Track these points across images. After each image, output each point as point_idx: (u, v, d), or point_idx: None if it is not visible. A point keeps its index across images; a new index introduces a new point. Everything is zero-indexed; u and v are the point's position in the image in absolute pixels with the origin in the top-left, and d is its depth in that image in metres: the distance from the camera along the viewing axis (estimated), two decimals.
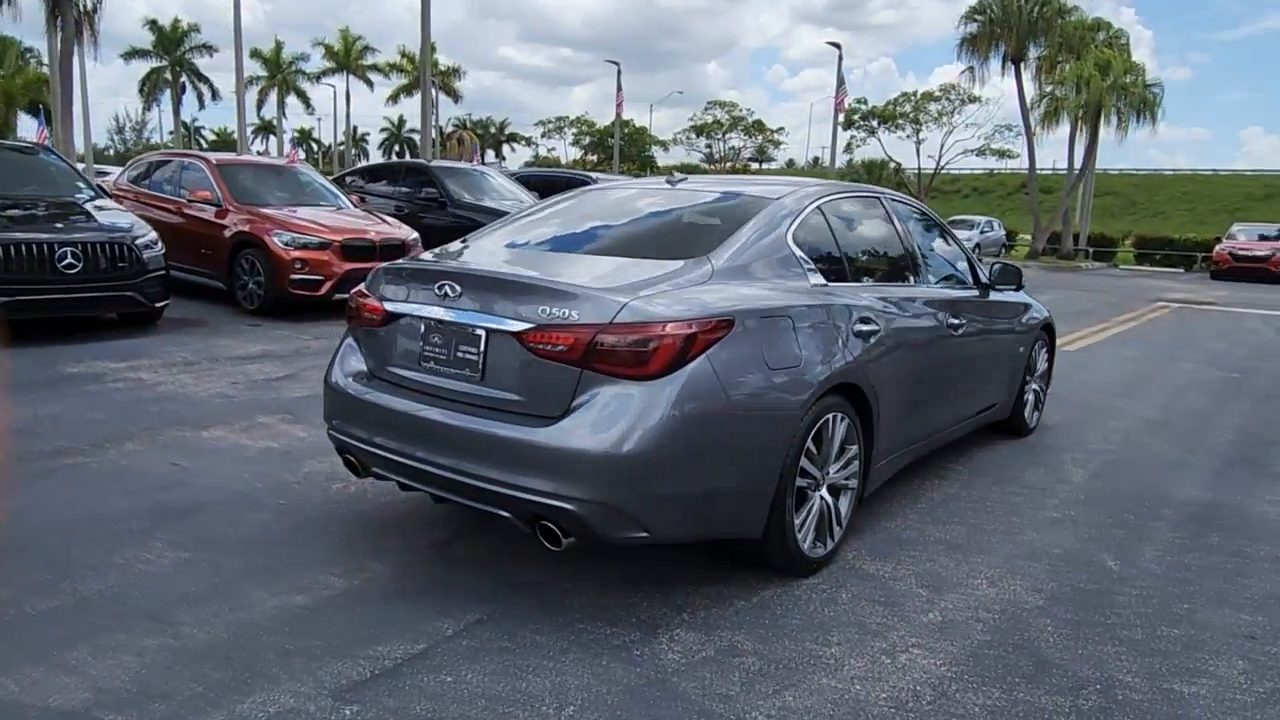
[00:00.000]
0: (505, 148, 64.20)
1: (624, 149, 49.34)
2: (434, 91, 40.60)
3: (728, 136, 52.80)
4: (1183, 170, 65.13)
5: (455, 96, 50.06)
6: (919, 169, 41.96)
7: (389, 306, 3.15)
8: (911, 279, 4.15)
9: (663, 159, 56.96)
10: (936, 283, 4.36)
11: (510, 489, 2.71)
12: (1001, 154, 38.33)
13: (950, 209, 39.23)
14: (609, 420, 2.62)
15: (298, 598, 2.93)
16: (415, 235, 10.09)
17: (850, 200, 4.03)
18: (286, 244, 8.61)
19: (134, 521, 3.51)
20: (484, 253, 3.56)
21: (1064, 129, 28.64)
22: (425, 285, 3.06)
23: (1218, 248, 25.30)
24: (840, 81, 34.97)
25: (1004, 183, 58.08)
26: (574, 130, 61.41)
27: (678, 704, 2.40)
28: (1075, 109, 26.31)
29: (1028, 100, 29.62)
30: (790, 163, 73.45)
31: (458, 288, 2.93)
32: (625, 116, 45.31)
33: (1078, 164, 29.75)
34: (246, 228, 8.85)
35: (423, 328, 3.06)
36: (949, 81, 43.25)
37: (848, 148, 43.25)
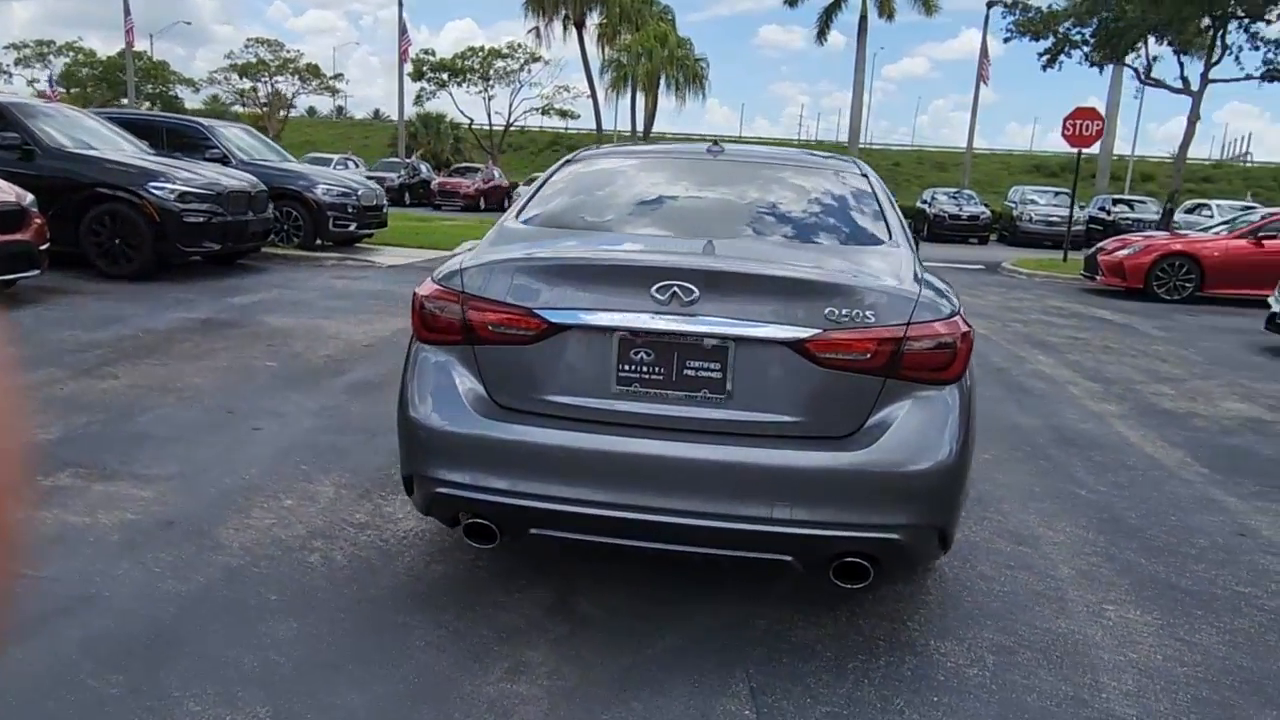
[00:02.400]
0: None
1: (140, 87, 41.97)
2: None
3: (274, 80, 47.61)
4: (675, 133, 75.14)
5: None
6: (490, 125, 42.53)
7: (553, 317, 2.46)
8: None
9: (193, 101, 49.41)
10: None
11: (802, 527, 2.34)
12: (564, 114, 40.56)
13: (526, 166, 40.45)
14: (923, 433, 2.40)
15: None
16: (30, 196, 7.73)
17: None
18: None
19: None
20: (607, 242, 2.93)
21: (630, 94, 31.25)
22: (632, 287, 2.43)
23: None
24: (402, 30, 33.83)
25: (575, 144, 61.60)
26: (65, 59, 50.31)
27: None
28: (642, 76, 28.85)
29: (598, 65, 31.72)
30: (340, 109, 69.16)
31: (693, 290, 2.39)
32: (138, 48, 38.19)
33: (642, 127, 32.75)
34: None
35: (617, 342, 2.45)
36: (515, 40, 44.09)
37: (418, 100, 42.06)
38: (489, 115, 42.00)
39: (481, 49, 39.44)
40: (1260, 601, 3.12)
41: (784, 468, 2.35)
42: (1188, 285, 12.53)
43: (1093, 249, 14.63)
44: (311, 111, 63.53)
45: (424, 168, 35.06)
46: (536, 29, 33.89)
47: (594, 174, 3.51)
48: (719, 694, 2.41)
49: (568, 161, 3.56)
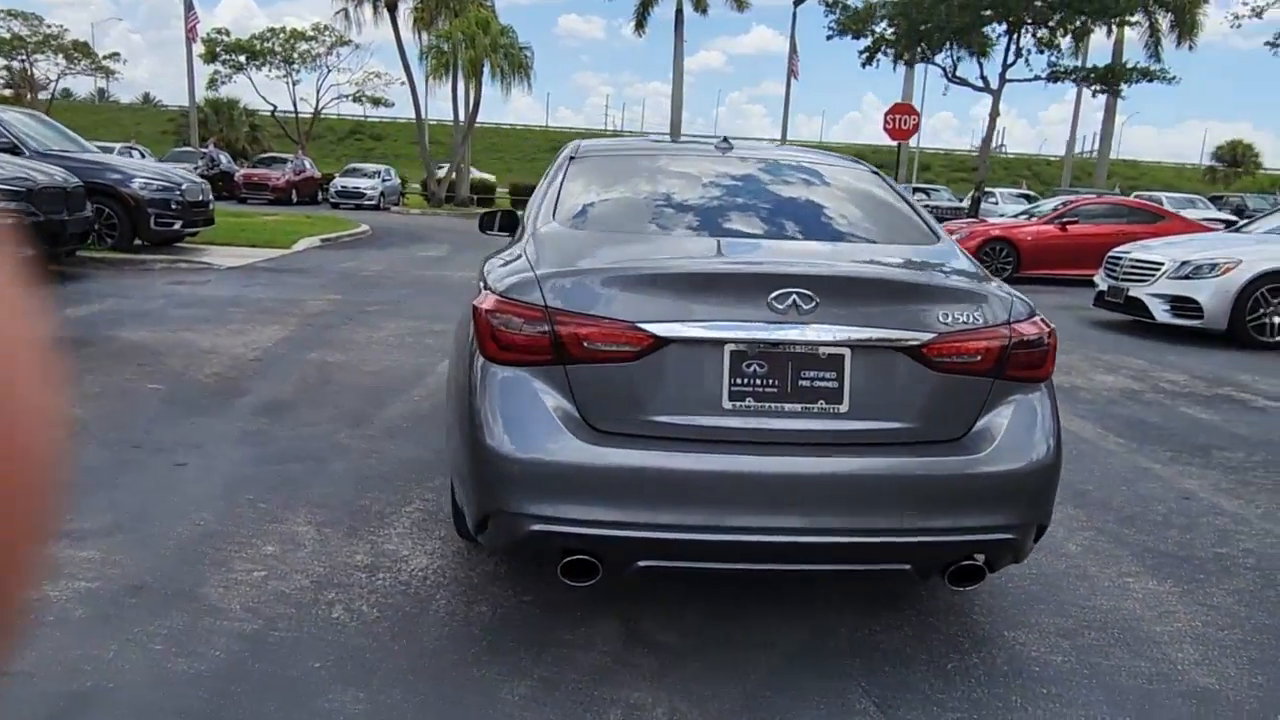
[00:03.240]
0: None
1: None
2: None
3: (34, 58, 42.03)
4: (486, 123, 73.46)
5: None
6: (296, 113, 39.65)
7: (659, 330, 2.26)
8: None
9: None
10: None
11: (926, 535, 2.31)
12: (377, 101, 38.61)
13: (326, 156, 38.18)
14: (1029, 432, 2.41)
15: None
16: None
17: None
18: None
19: None
20: (691, 247, 2.75)
21: (449, 81, 30.18)
22: (746, 296, 2.28)
23: None
24: (189, 6, 31.03)
25: (379, 133, 58.69)
26: None
27: None
28: (466, 64, 27.96)
29: (414, 51, 30.38)
30: (102, 93, 62.38)
31: (813, 297, 2.27)
32: None
33: (465, 117, 31.74)
34: None
35: (729, 355, 2.30)
36: (321, 20, 41.28)
37: (211, 83, 38.49)
38: (294, 102, 39.34)
39: (284, 30, 36.82)
40: (1240, 560, 3.43)
41: (909, 476, 2.31)
42: (1008, 267, 13.74)
43: None
44: (67, 94, 56.77)
45: (224, 158, 32.30)
46: (345, 10, 31.97)
47: (619, 171, 3.29)
48: (850, 713, 2.33)
49: (572, 159, 3.32)
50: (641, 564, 2.31)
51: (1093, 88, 20.13)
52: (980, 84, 20.03)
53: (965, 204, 21.61)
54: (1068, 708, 2.40)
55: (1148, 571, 3.28)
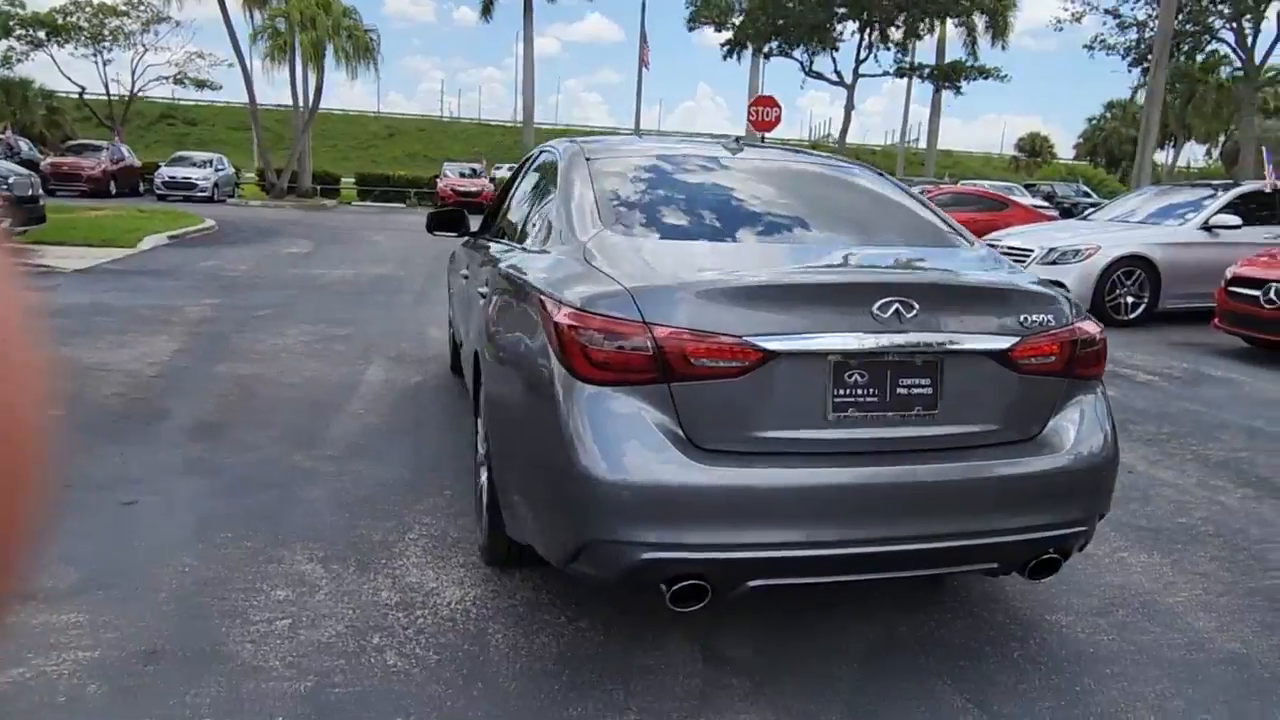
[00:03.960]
0: None
1: None
2: None
3: None
4: (355, 113, 69.81)
5: None
6: (108, 95, 35.96)
7: (768, 344, 2.20)
8: None
9: None
10: None
11: (1018, 533, 2.37)
12: (202, 84, 35.64)
13: (136, 143, 35.00)
14: (1096, 427, 2.52)
15: None
16: None
17: None
18: None
19: None
20: (773, 256, 2.72)
21: (289, 65, 28.38)
22: (851, 306, 2.25)
23: (441, 184, 29.03)
24: None
25: (192, 117, 54.17)
26: None
27: None
28: (307, 46, 26.39)
29: (245, 31, 28.33)
30: None
31: (914, 305, 2.27)
32: None
33: (306, 101, 29.96)
34: None
35: (832, 366, 2.27)
36: None
37: (4, 61, 34.24)
38: (105, 84, 35.72)
39: (91, 3, 33.21)
40: (1200, 529, 3.76)
41: (1002, 477, 2.37)
42: None
43: None
44: None
45: (24, 144, 29.05)
46: None
47: (649, 173, 3.16)
48: (955, 712, 2.37)
49: (589, 160, 3.16)
50: (752, 584, 2.25)
51: (938, 83, 21.50)
52: (835, 78, 20.98)
53: None
54: (1136, 684, 2.54)
55: (1135, 546, 3.54)
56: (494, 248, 3.77)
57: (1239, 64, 23.79)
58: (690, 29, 20.87)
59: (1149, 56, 20.73)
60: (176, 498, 3.62)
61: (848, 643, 2.72)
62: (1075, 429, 2.49)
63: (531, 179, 3.83)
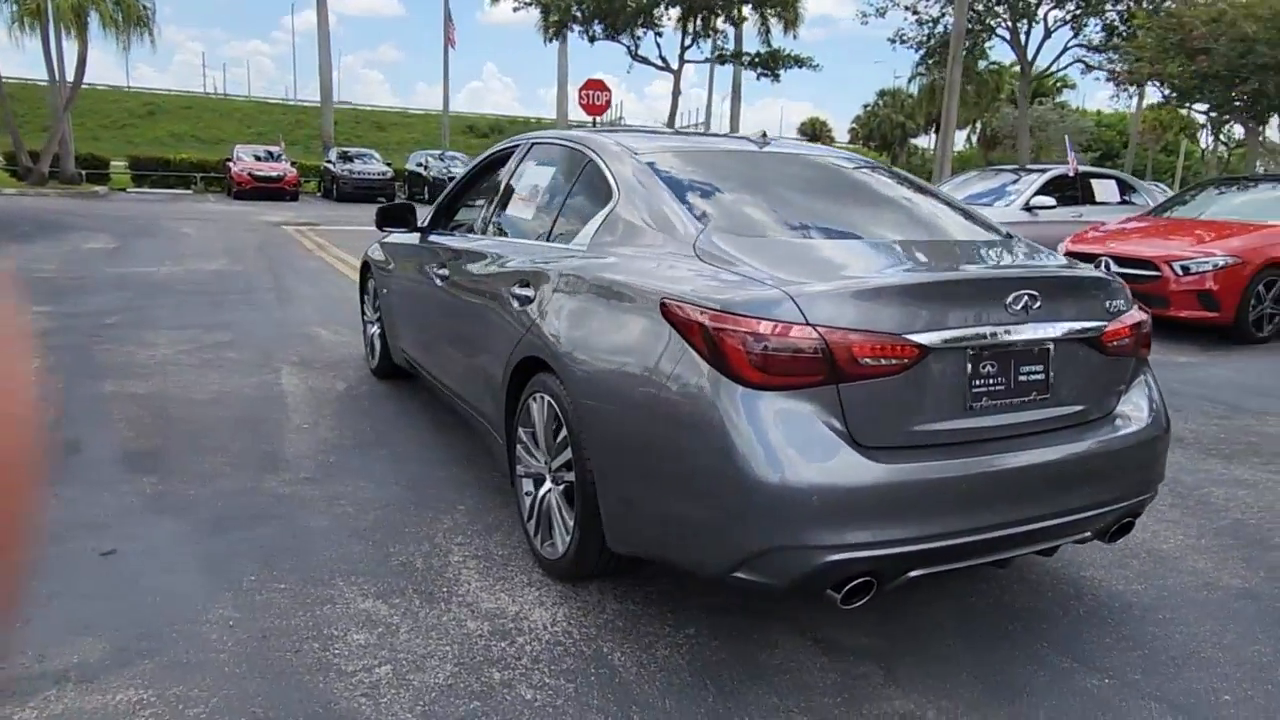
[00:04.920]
0: None
1: None
2: None
3: None
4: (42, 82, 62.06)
5: None
6: None
7: (923, 340, 2.25)
8: None
9: None
10: None
11: (1116, 503, 2.60)
12: None
13: None
14: (1157, 400, 2.78)
15: None
16: None
17: None
18: None
19: None
20: (896, 255, 2.73)
21: (43, 33, 24.90)
22: (987, 300, 2.36)
23: (235, 169, 26.70)
24: None
25: None
26: None
27: None
28: (67, 11, 23.26)
29: None
30: None
31: (1038, 297, 2.40)
32: None
33: (64, 75, 26.39)
34: None
35: (970, 358, 2.36)
36: None
37: None
38: None
39: None
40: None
41: (1105, 453, 2.56)
42: None
43: None
44: None
45: None
46: None
47: (713, 171, 3.08)
48: (1083, 675, 2.54)
49: (651, 162, 3.03)
50: (913, 574, 2.31)
51: (759, 71, 22.40)
52: (661, 63, 21.31)
53: None
54: (1189, 626, 2.85)
55: None
56: (494, 246, 3.56)
57: (1015, 60, 26.66)
58: (515, 9, 20.39)
59: (939, 51, 22.89)
60: (159, 541, 3.17)
61: (941, 620, 2.85)
62: (1145, 403, 2.75)
63: (541, 173, 3.65)
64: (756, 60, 21.85)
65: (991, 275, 2.61)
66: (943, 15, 23.63)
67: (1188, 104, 23.05)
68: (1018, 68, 27.63)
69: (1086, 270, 2.82)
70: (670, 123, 23.05)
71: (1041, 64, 26.91)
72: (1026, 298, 2.40)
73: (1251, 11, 17.65)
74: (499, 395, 3.29)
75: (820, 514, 2.17)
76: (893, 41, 24.60)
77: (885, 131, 64.80)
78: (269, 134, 39.33)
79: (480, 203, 4.10)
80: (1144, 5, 22.17)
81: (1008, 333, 2.39)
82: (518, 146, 3.98)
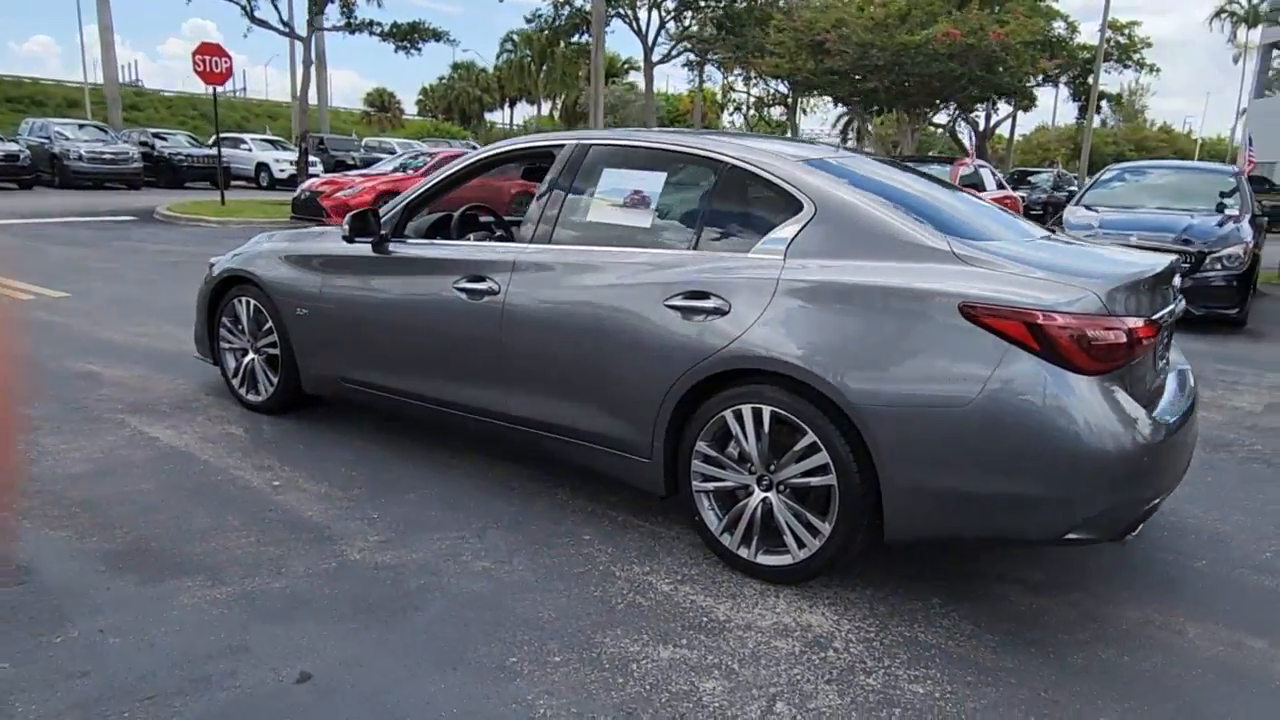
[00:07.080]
0: None
1: None
2: None
3: None
4: None
5: None
6: None
7: (1156, 319, 2.81)
8: None
9: None
10: None
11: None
12: None
13: None
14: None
15: None
16: None
17: None
18: None
19: None
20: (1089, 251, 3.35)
21: None
22: (1159, 286, 2.98)
23: None
24: None
25: None
26: None
27: None
28: None
29: None
30: None
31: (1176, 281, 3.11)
32: None
33: None
34: None
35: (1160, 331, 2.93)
36: None
37: None
38: None
39: None
40: None
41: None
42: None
43: (307, 191, 14.91)
44: None
45: None
46: None
47: (880, 182, 3.32)
48: (1178, 630, 2.83)
49: (807, 161, 3.17)
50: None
51: (397, 43, 21.12)
52: (284, 28, 19.21)
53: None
54: (1218, 599, 3.04)
55: None
56: (602, 257, 3.32)
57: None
58: None
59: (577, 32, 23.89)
60: (278, 656, 2.53)
61: (1042, 569, 3.22)
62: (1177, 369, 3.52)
63: (642, 180, 3.44)
64: (395, 31, 20.79)
65: (1170, 263, 3.19)
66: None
67: (811, 94, 27.23)
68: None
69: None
70: (301, 98, 20.83)
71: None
72: (1176, 281, 3.08)
73: (863, 22, 21.59)
74: (653, 412, 3.14)
75: (1147, 470, 2.64)
76: (529, 20, 25.16)
77: (463, 105, 64.98)
78: None
79: (536, 210, 3.66)
80: (778, 5, 25.96)
81: (1171, 312, 3.02)
82: (552, 152, 3.69)
